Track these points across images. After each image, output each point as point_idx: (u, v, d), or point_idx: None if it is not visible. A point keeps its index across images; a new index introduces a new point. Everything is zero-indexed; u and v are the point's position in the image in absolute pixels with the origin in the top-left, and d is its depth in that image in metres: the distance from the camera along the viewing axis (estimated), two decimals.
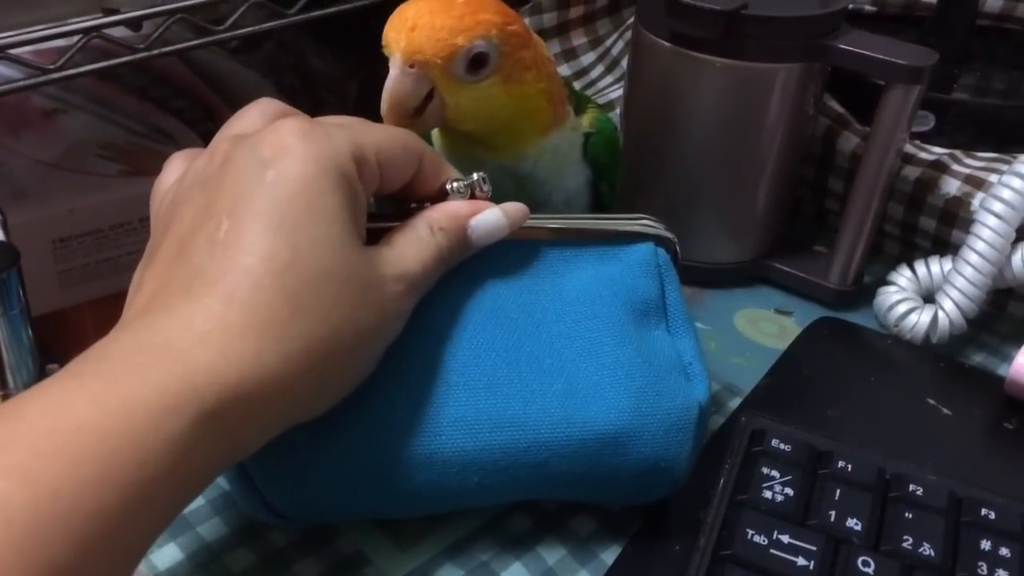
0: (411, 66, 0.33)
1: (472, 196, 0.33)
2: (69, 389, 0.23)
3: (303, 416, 0.28)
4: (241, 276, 0.26)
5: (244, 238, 0.26)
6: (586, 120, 0.39)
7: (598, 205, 0.41)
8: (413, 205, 0.32)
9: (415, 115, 0.34)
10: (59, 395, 0.23)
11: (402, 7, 0.33)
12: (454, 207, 0.32)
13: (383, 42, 0.34)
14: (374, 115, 0.35)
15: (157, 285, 0.27)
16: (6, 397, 0.35)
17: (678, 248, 0.36)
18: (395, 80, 0.33)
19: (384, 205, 0.33)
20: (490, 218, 0.32)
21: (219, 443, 0.24)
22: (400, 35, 0.33)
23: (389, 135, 0.31)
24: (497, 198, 0.33)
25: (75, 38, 0.45)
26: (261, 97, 0.32)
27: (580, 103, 0.40)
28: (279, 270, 0.26)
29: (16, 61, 0.43)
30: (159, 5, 0.47)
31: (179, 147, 0.61)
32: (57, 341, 0.58)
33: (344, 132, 0.29)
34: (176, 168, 0.31)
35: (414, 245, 0.30)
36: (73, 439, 0.22)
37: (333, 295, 0.27)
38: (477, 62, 0.33)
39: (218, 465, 0.25)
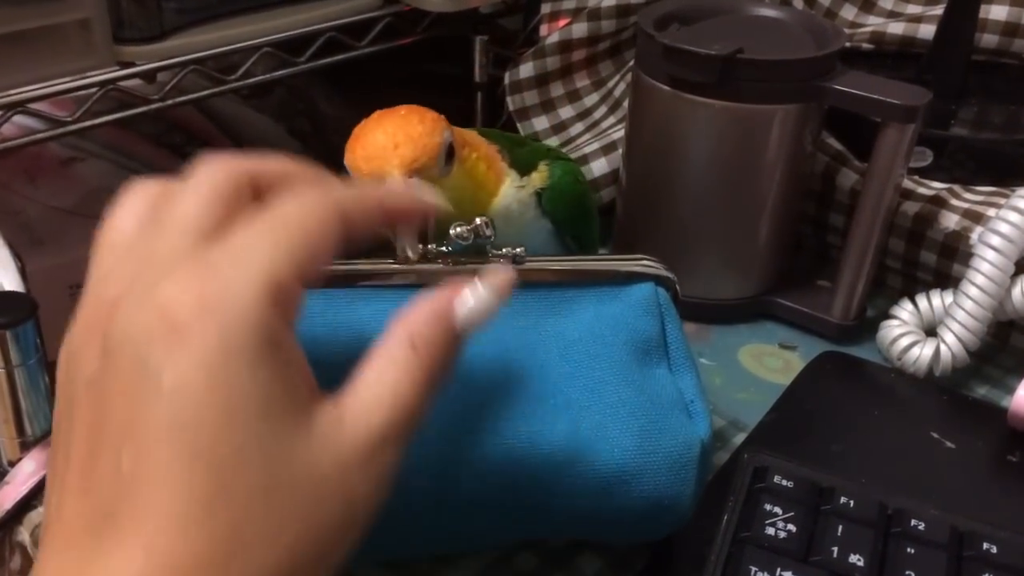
0: (410, 176, 0.34)
1: (475, 239, 0.34)
2: None
3: None
4: (159, 519, 0.20)
5: (153, 469, 0.21)
6: (537, 177, 0.39)
7: None
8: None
9: None
10: None
11: (367, 140, 0.34)
12: (431, 306, 0.25)
13: (361, 171, 0.34)
14: None
15: (66, 527, 0.22)
16: (24, 444, 0.36)
17: (678, 287, 0.37)
18: None
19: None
20: (478, 303, 0.26)
21: None
22: (390, 156, 0.34)
23: (304, 221, 0.23)
24: None
25: (92, 90, 0.47)
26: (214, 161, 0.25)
27: (534, 157, 0.40)
28: (205, 502, 0.21)
29: (35, 115, 0.45)
30: (173, 57, 0.48)
31: None
32: None
33: (248, 261, 0.22)
34: (132, 212, 0.25)
35: (390, 377, 0.24)
36: None
37: (279, 509, 0.21)
38: (449, 154, 0.35)
39: None
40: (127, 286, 0.23)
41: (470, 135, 0.38)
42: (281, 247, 0.23)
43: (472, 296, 0.26)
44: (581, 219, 0.41)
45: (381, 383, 0.24)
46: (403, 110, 0.35)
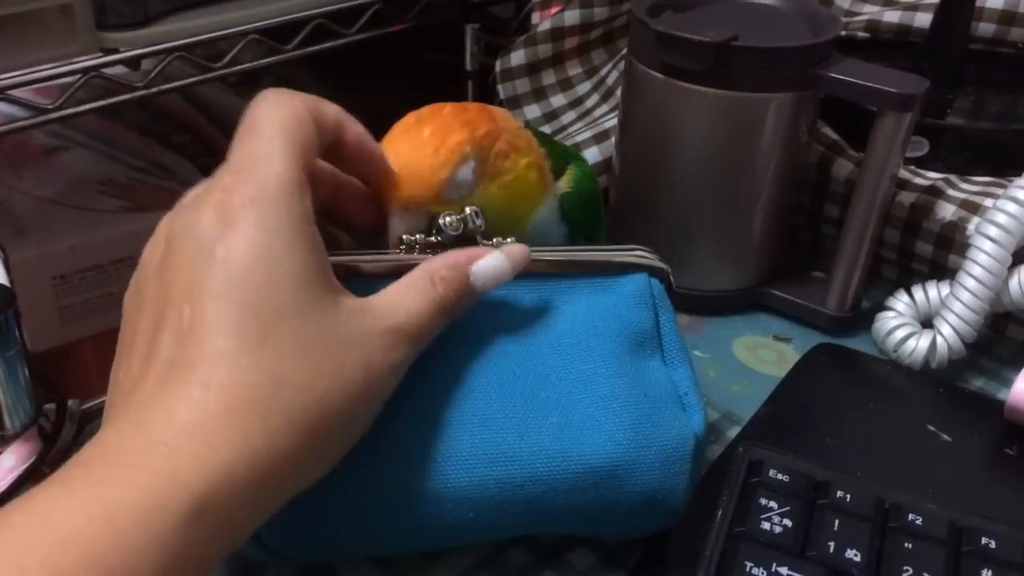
0: (406, 208, 0.33)
1: (464, 228, 0.33)
2: (55, 497, 0.23)
3: (302, 486, 0.27)
4: (215, 359, 0.25)
5: (209, 322, 0.25)
6: (563, 181, 0.39)
7: None
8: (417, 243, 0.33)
9: None
10: (46, 505, 0.22)
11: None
12: (454, 256, 0.31)
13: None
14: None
15: (133, 382, 0.26)
16: (3, 438, 0.35)
17: (672, 278, 0.36)
18: (395, 226, 0.33)
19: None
20: (492, 263, 0.31)
21: (215, 533, 0.24)
22: (388, 188, 0.33)
23: (300, 120, 0.29)
24: None
25: (75, 77, 0.46)
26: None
27: (564, 158, 0.39)
28: (252, 347, 0.25)
29: (16, 102, 0.44)
30: (157, 44, 0.47)
31: (180, 182, 0.62)
32: (58, 376, 0.59)
33: (275, 157, 0.28)
34: (192, 191, 0.30)
35: (409, 296, 0.29)
36: (58, 551, 0.21)
37: (313, 362, 0.26)
38: (464, 182, 0.34)
39: (217, 553, 0.24)
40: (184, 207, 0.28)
41: (525, 139, 0.36)
42: (287, 145, 0.28)
43: (488, 257, 0.31)
44: (595, 218, 0.41)
45: (402, 298, 0.29)
46: (428, 129, 0.33)
